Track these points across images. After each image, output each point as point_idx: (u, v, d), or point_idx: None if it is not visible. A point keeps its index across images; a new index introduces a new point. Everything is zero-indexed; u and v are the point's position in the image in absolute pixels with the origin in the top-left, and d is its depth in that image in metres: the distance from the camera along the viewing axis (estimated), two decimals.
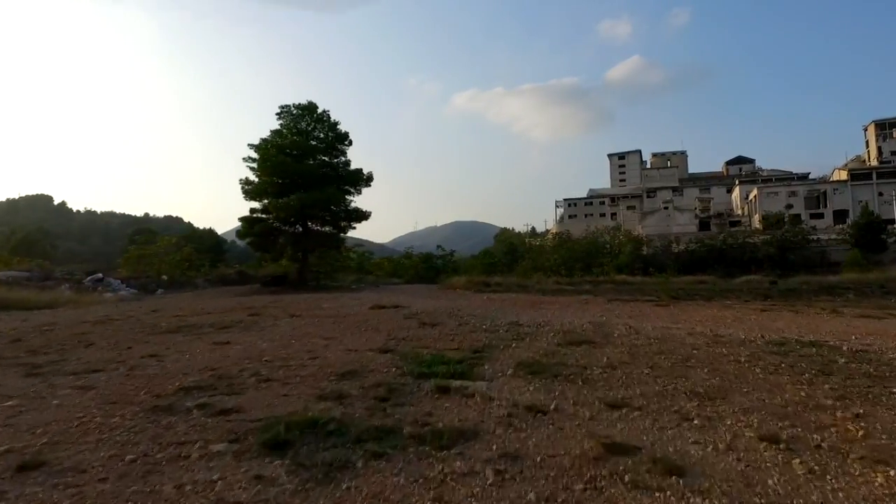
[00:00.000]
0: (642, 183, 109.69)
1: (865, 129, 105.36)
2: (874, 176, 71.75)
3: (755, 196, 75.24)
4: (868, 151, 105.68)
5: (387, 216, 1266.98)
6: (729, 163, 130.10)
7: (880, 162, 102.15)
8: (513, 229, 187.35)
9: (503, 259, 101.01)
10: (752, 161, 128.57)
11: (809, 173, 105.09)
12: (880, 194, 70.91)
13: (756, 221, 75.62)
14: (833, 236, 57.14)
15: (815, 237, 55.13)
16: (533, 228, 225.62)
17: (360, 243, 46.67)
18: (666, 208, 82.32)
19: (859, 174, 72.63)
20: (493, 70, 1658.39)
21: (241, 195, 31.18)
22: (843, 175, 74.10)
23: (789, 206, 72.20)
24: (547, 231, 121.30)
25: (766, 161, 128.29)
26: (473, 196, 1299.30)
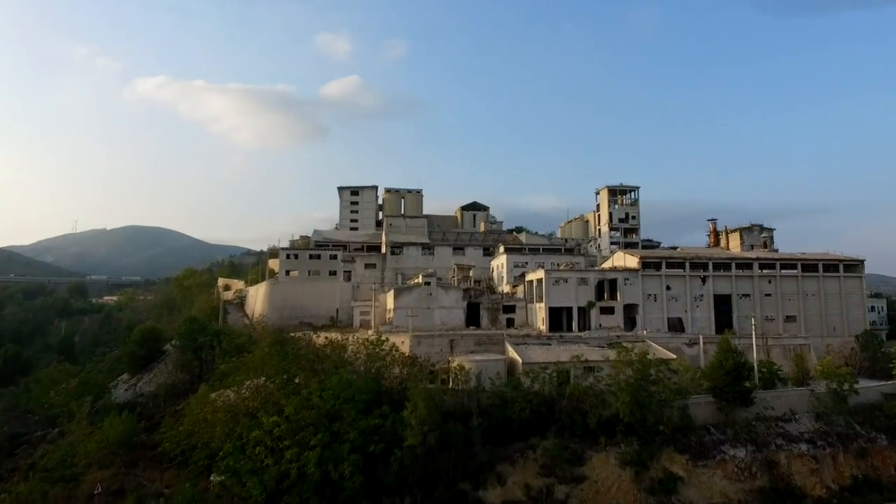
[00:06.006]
0: (385, 234, 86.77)
1: (598, 193, 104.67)
2: (663, 266, 62.34)
3: (541, 280, 58.44)
4: (599, 214, 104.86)
5: (28, 212, 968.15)
6: (464, 208, 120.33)
7: (610, 227, 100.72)
8: (197, 269, 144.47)
9: (176, 361, 60.82)
10: (486, 208, 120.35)
11: (579, 244, 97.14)
12: (668, 287, 61.82)
13: (539, 311, 59.00)
14: (686, 376, 41.38)
15: (675, 384, 38.12)
16: (232, 263, 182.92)
17: None
18: (428, 283, 60.00)
19: (649, 263, 62.39)
20: (192, 60, 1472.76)
21: None
22: (634, 263, 62.97)
23: (591, 305, 57.61)
24: (260, 280, 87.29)
25: (493, 206, 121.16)
26: (157, 198, 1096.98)
